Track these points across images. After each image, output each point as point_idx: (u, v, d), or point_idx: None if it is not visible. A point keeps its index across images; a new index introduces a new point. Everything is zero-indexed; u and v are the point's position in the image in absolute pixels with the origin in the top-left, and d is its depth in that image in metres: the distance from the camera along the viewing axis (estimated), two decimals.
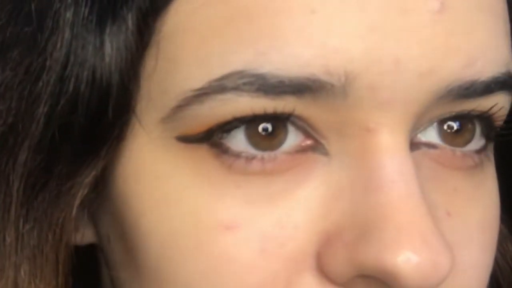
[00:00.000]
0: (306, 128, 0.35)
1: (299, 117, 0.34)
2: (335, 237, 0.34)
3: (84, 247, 0.41)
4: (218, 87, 0.33)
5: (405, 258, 0.32)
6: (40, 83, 0.35)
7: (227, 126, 0.34)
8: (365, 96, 0.33)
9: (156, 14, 0.34)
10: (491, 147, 0.39)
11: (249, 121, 0.34)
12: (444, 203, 0.36)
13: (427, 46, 0.33)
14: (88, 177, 0.36)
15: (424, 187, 0.35)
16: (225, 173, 0.34)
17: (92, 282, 0.44)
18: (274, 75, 0.33)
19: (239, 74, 0.33)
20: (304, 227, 0.34)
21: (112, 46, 0.34)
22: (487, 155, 0.39)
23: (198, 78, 0.33)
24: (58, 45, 0.35)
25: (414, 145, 0.36)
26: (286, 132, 0.35)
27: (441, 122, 0.37)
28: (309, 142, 0.35)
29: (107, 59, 0.34)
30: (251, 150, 0.34)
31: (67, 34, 0.34)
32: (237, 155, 0.34)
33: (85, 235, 0.40)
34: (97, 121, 0.35)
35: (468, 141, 0.37)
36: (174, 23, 0.34)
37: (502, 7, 0.37)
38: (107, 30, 0.34)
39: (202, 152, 0.35)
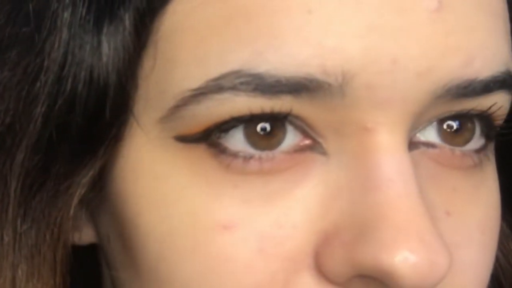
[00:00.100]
0: (304, 128, 0.35)
1: (297, 117, 0.34)
2: (333, 236, 0.34)
3: (85, 248, 0.41)
4: (215, 87, 0.33)
5: (403, 258, 0.32)
6: (38, 83, 0.35)
7: (225, 126, 0.34)
8: (363, 96, 0.33)
9: (153, 14, 0.34)
10: (491, 146, 0.39)
11: (247, 121, 0.34)
12: (443, 202, 0.36)
13: (424, 45, 0.33)
14: (85, 177, 0.36)
15: (422, 187, 0.35)
16: (223, 173, 0.34)
17: (93, 282, 0.44)
18: (271, 74, 0.33)
19: (236, 73, 0.33)
20: (302, 227, 0.34)
21: (109, 46, 0.34)
22: (487, 155, 0.38)
23: (195, 78, 0.33)
24: (56, 45, 0.35)
25: (413, 145, 0.36)
26: (284, 132, 0.35)
27: (441, 121, 0.36)
28: (307, 141, 0.35)
29: (104, 59, 0.34)
30: (249, 150, 0.34)
31: (64, 34, 0.35)
32: (235, 155, 0.34)
33: (85, 235, 0.40)
34: (95, 121, 0.35)
35: (468, 141, 0.37)
36: (172, 23, 0.34)
37: (502, 6, 0.37)
38: (104, 30, 0.34)
39: (200, 152, 0.35)
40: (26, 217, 0.36)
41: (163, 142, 0.35)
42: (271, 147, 0.34)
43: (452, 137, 0.37)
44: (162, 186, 0.35)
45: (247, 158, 0.34)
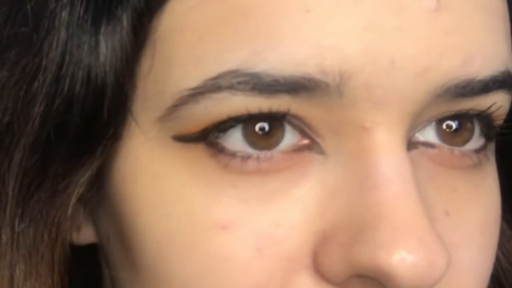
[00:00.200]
0: (303, 127, 0.35)
1: (295, 116, 0.34)
2: (331, 236, 0.34)
3: (85, 248, 0.41)
4: (213, 86, 0.33)
5: (400, 258, 0.32)
6: (36, 83, 0.35)
7: (223, 126, 0.34)
8: (361, 95, 0.33)
9: (151, 14, 0.34)
10: (491, 146, 0.39)
11: (245, 121, 0.34)
12: (442, 202, 0.36)
13: (423, 45, 0.33)
14: (83, 177, 0.36)
15: (421, 186, 0.35)
16: (221, 172, 0.34)
17: (93, 283, 0.44)
18: (269, 74, 0.33)
19: (234, 73, 0.33)
20: (300, 227, 0.34)
21: (107, 46, 0.34)
22: (487, 155, 0.38)
23: (194, 77, 0.33)
24: (54, 45, 0.35)
25: (412, 145, 0.36)
26: (283, 131, 0.35)
27: (440, 121, 0.36)
28: (305, 141, 0.35)
29: (102, 59, 0.34)
30: (248, 149, 0.34)
31: (62, 34, 0.35)
32: (233, 155, 0.34)
33: (85, 235, 0.40)
34: (92, 120, 0.35)
35: (467, 141, 0.37)
36: (171, 23, 0.34)
37: (502, 6, 0.37)
38: (102, 30, 0.34)
39: (198, 151, 0.35)
40: (24, 217, 0.36)
41: (161, 142, 0.35)
42: (269, 146, 0.34)
43: (451, 137, 0.37)
44: (161, 186, 0.35)
45: (245, 157, 0.34)
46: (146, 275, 0.36)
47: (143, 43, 0.34)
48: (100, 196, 0.37)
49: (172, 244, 0.35)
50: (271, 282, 0.34)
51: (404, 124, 0.34)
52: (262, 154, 0.34)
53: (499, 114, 0.37)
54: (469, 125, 0.37)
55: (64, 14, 0.35)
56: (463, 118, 0.37)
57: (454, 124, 0.37)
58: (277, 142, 0.34)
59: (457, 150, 0.37)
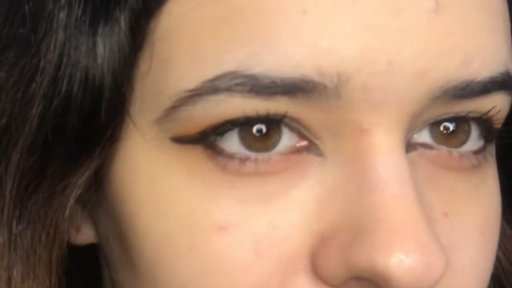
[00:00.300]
0: (300, 129, 0.34)
1: (293, 118, 0.34)
2: (329, 238, 0.34)
3: (86, 248, 0.41)
4: (210, 88, 0.33)
5: (398, 260, 0.32)
6: (34, 84, 0.35)
7: (220, 129, 0.34)
8: (359, 97, 0.33)
9: (149, 15, 0.34)
10: (490, 148, 0.39)
11: (242, 124, 0.34)
12: (441, 203, 0.36)
13: (421, 46, 0.33)
14: (81, 178, 0.36)
15: (420, 188, 0.35)
16: (219, 174, 0.34)
17: (93, 283, 0.44)
18: (267, 75, 0.32)
19: (232, 74, 0.33)
20: (298, 228, 0.34)
21: (104, 47, 0.34)
22: (486, 156, 0.38)
23: (191, 79, 0.33)
24: (52, 46, 0.35)
25: (410, 146, 0.36)
26: (280, 134, 0.34)
27: (437, 123, 0.36)
28: (303, 143, 0.35)
29: (99, 60, 0.34)
30: (245, 152, 0.34)
31: (60, 35, 0.35)
32: (231, 156, 0.34)
33: (85, 236, 0.40)
34: (90, 122, 0.35)
35: (463, 142, 0.37)
36: (169, 24, 0.34)
37: (502, 6, 0.37)
38: (100, 31, 0.34)
39: (197, 153, 0.35)
40: (21, 218, 0.36)
41: (159, 143, 0.35)
42: (267, 149, 0.34)
43: (446, 139, 0.36)
44: (159, 187, 0.35)
45: (243, 159, 0.34)
46: (145, 276, 0.36)
47: (141, 45, 0.34)
48: (99, 197, 0.37)
49: (170, 245, 0.35)
50: (269, 283, 0.34)
51: (402, 125, 0.34)
52: (260, 156, 0.34)
53: (499, 118, 0.37)
54: (465, 127, 0.37)
55: (62, 15, 0.35)
56: (460, 119, 0.36)
57: (451, 126, 0.36)
58: (274, 144, 0.34)
59: (455, 151, 0.37)
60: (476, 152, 0.37)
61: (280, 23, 0.33)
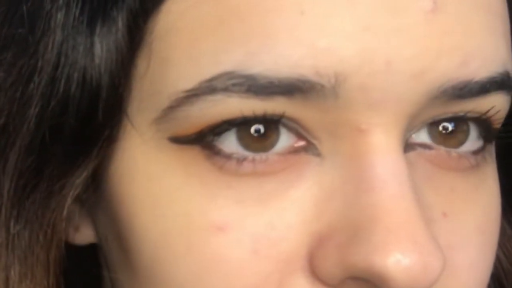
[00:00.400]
0: (298, 130, 0.34)
1: (290, 119, 0.34)
2: (327, 238, 0.34)
3: (86, 248, 0.41)
4: (208, 88, 0.33)
5: (395, 260, 0.32)
6: (32, 85, 0.35)
7: (217, 129, 0.34)
8: (356, 97, 0.33)
9: (146, 15, 0.34)
10: (490, 148, 0.39)
11: (239, 124, 0.34)
12: (440, 203, 0.36)
13: (419, 46, 0.33)
14: (79, 178, 0.36)
15: (419, 188, 0.35)
16: (217, 174, 0.34)
17: (93, 283, 0.44)
18: (264, 75, 0.32)
19: (229, 75, 0.33)
20: (296, 228, 0.34)
21: (102, 47, 0.34)
22: (485, 156, 0.38)
23: (189, 79, 0.33)
24: (50, 46, 0.35)
25: (409, 146, 0.36)
26: (278, 134, 0.34)
27: (436, 123, 0.36)
28: (301, 143, 0.35)
29: (97, 60, 0.34)
30: (243, 152, 0.34)
31: (58, 35, 0.35)
32: (229, 157, 0.34)
33: (85, 235, 0.40)
34: (88, 122, 0.35)
35: (462, 143, 0.37)
36: (167, 23, 0.34)
37: (502, 6, 0.37)
38: (97, 31, 0.34)
39: (194, 153, 0.35)
40: (19, 218, 0.36)
41: (157, 143, 0.35)
42: (265, 149, 0.34)
43: (445, 139, 0.36)
44: (157, 187, 0.35)
45: (241, 160, 0.34)
46: (143, 276, 0.36)
47: (138, 44, 0.34)
48: (98, 197, 0.38)
49: (168, 245, 0.35)
50: (267, 283, 0.34)
51: (400, 125, 0.34)
52: (258, 156, 0.34)
53: (498, 118, 0.37)
54: (464, 127, 0.37)
55: (60, 15, 0.35)
56: (458, 120, 0.36)
57: (450, 126, 0.36)
58: (272, 145, 0.34)
59: (454, 152, 0.37)
60: (475, 152, 0.37)
61: (278, 23, 0.33)
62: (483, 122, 0.37)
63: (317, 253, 0.34)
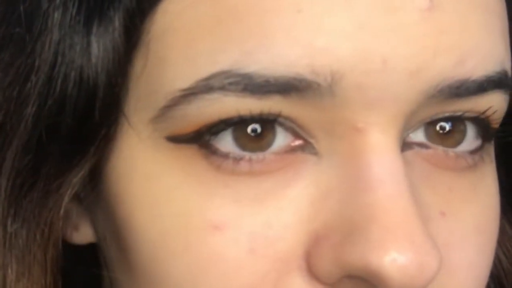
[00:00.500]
0: (295, 129, 0.34)
1: (287, 118, 0.34)
2: (324, 237, 0.34)
3: (86, 248, 0.41)
4: (204, 87, 0.33)
5: (391, 259, 0.32)
6: (29, 84, 0.35)
7: (214, 129, 0.34)
8: (353, 96, 0.33)
9: (143, 14, 0.34)
10: (488, 147, 0.39)
11: (236, 123, 0.34)
12: (438, 203, 0.36)
13: (415, 44, 0.33)
14: (76, 177, 0.36)
15: (416, 187, 0.35)
16: (214, 173, 0.34)
17: (93, 283, 0.44)
18: (260, 74, 0.32)
19: (226, 73, 0.33)
20: (293, 228, 0.34)
21: (98, 47, 0.34)
22: (483, 156, 0.38)
23: (186, 78, 0.33)
24: (47, 46, 0.35)
25: (406, 145, 0.36)
26: (274, 133, 0.34)
27: (434, 122, 0.36)
28: (298, 142, 0.35)
29: (93, 59, 0.34)
30: (239, 152, 0.34)
31: (55, 34, 0.35)
32: (225, 156, 0.34)
33: (84, 234, 0.40)
34: (84, 121, 0.35)
35: (459, 142, 0.37)
36: (164, 23, 0.34)
37: (500, 5, 0.37)
38: (94, 31, 0.34)
39: (192, 152, 0.35)
40: (16, 217, 0.37)
41: (155, 142, 0.35)
42: (261, 148, 0.34)
43: (442, 139, 0.36)
44: (154, 186, 0.35)
45: (238, 159, 0.34)
46: (142, 275, 0.36)
47: (135, 44, 0.34)
48: (96, 196, 0.38)
49: (166, 244, 0.35)
50: (264, 282, 0.34)
51: (397, 124, 0.34)
52: (255, 155, 0.34)
53: (496, 118, 0.37)
54: (461, 127, 0.37)
55: (57, 15, 0.35)
56: (456, 119, 0.36)
57: (447, 126, 0.36)
58: (269, 144, 0.34)
59: (451, 151, 0.37)
60: (473, 152, 0.37)
61: (275, 22, 0.33)
62: (481, 121, 0.37)
63: (314, 252, 0.34)
